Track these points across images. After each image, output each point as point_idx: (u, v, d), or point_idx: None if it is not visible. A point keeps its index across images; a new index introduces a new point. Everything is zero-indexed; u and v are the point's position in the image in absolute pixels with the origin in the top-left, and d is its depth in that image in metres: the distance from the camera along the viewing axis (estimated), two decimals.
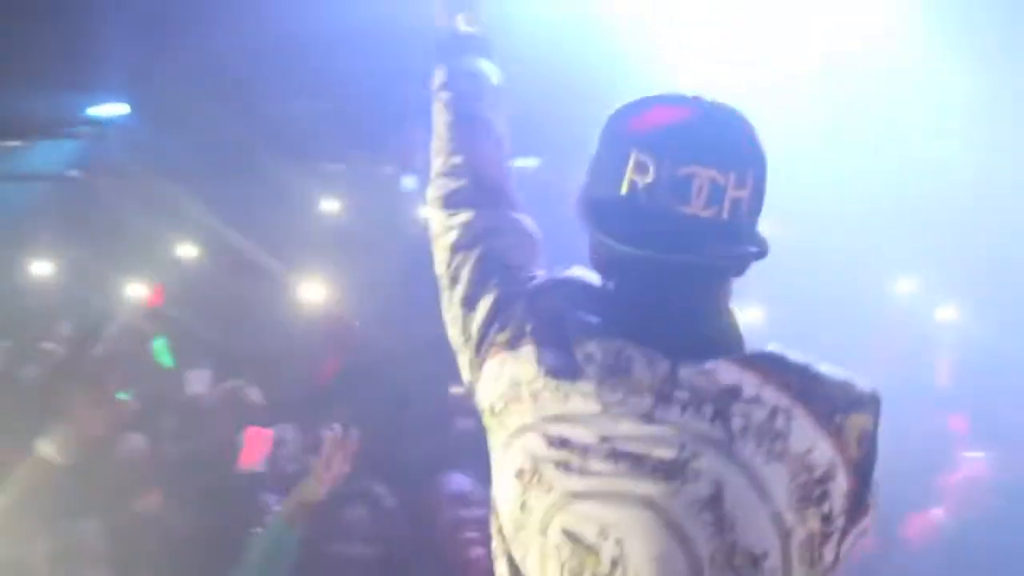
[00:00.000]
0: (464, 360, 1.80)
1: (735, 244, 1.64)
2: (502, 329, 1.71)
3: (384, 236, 8.08)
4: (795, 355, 1.62)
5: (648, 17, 5.18)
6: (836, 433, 1.54)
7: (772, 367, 1.58)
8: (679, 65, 5.24)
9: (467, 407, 1.94)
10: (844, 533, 1.56)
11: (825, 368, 1.61)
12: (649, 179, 1.62)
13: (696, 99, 1.68)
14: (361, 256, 7.91)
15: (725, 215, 1.62)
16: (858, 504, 1.56)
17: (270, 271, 7.47)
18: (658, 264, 1.62)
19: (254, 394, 5.01)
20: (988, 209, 5.84)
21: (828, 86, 5.82)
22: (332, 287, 7.51)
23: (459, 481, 3.63)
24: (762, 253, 1.68)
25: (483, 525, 3.04)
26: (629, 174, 1.63)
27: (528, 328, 1.67)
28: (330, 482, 3.25)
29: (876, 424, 1.59)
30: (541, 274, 1.78)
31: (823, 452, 1.54)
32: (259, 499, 3.98)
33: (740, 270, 1.70)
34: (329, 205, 8.80)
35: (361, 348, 6.90)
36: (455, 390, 5.60)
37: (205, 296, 7.43)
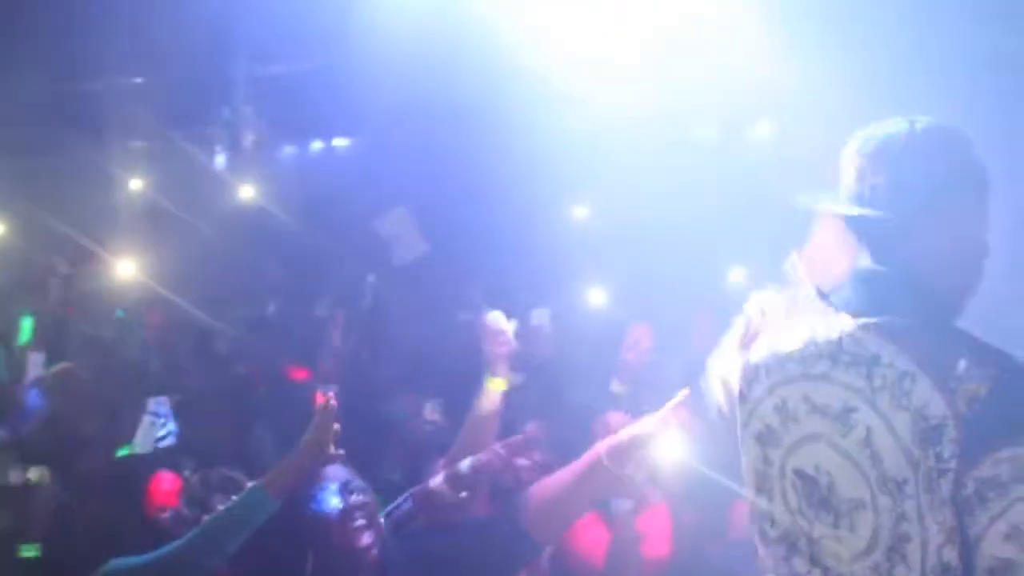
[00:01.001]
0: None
1: None
2: None
3: (197, 214, 8.01)
4: (933, 332, 2.01)
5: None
6: (950, 395, 1.89)
7: (907, 340, 1.99)
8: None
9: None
10: (960, 475, 1.88)
11: (954, 345, 1.96)
12: None
13: None
14: (173, 234, 7.82)
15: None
16: (969, 455, 1.88)
17: (80, 248, 7.27)
18: None
19: (83, 374, 4.96)
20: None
21: (665, 71, 6.16)
22: (143, 264, 7.39)
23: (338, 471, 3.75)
24: None
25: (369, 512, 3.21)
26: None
27: None
28: (317, 455, 3.24)
29: (993, 393, 1.89)
30: None
31: (937, 407, 1.90)
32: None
33: None
34: (141, 182, 8.60)
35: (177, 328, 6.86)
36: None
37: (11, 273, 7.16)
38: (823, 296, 2.17)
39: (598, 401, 4.71)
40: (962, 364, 1.91)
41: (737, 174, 6.89)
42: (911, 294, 2.04)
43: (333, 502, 3.34)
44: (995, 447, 1.86)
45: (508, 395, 5.14)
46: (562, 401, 4.73)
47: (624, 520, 3.84)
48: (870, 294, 2.09)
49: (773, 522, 2.19)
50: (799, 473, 2.11)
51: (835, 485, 2.04)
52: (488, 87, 6.45)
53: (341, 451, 3.27)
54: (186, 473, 4.40)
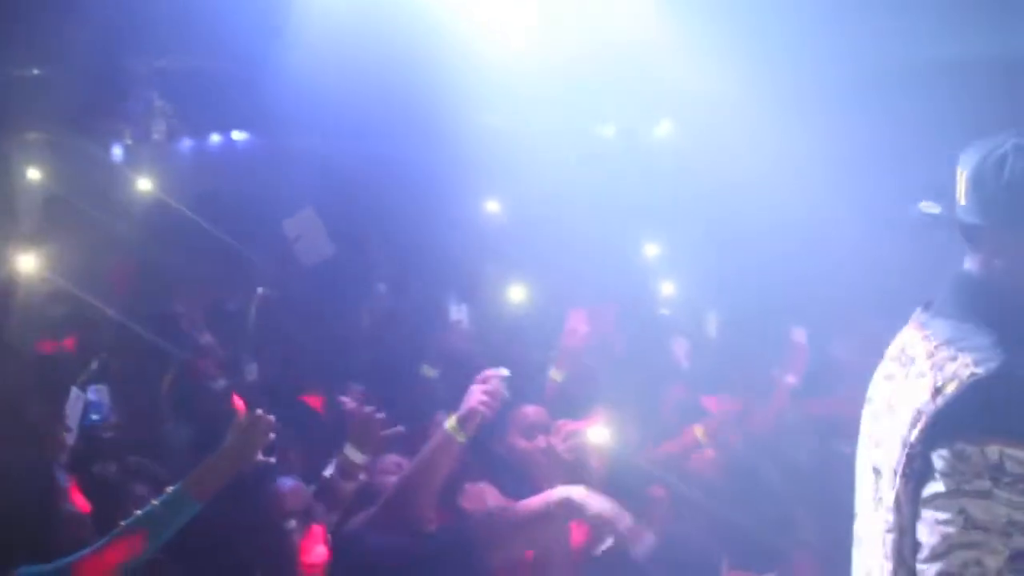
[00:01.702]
0: None
1: None
2: None
3: (93, 207, 7.86)
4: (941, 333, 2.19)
5: None
6: (936, 392, 2.07)
7: (927, 338, 2.20)
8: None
9: None
10: (911, 461, 2.09)
11: (955, 348, 2.13)
12: None
13: None
14: (69, 227, 7.66)
15: None
16: (924, 444, 2.07)
17: None
18: None
19: None
20: (730, 198, 6.41)
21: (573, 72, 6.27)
22: (38, 257, 7.21)
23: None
24: None
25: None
26: None
27: None
28: (240, 461, 3.24)
29: (959, 391, 2.05)
30: None
31: (924, 400, 2.09)
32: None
33: None
34: (37, 175, 8.40)
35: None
36: None
37: None
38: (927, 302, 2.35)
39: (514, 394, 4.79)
40: (958, 361, 2.09)
41: (641, 172, 7.07)
42: (985, 299, 2.19)
43: (274, 509, 3.37)
44: (939, 443, 2.04)
45: (426, 388, 5.25)
46: None
47: None
48: (954, 299, 2.24)
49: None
50: (872, 469, 2.30)
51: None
52: (401, 83, 6.49)
53: (272, 459, 3.31)
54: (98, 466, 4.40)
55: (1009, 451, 1.98)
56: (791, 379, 5.52)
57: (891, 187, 6.78)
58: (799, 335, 5.63)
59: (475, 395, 3.46)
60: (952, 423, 2.04)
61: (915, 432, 2.09)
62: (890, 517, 2.14)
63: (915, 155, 6.86)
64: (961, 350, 2.11)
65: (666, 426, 5.05)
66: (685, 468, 4.63)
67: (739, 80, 6.16)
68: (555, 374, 5.15)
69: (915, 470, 2.08)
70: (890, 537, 2.14)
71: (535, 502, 3.25)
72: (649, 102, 7.13)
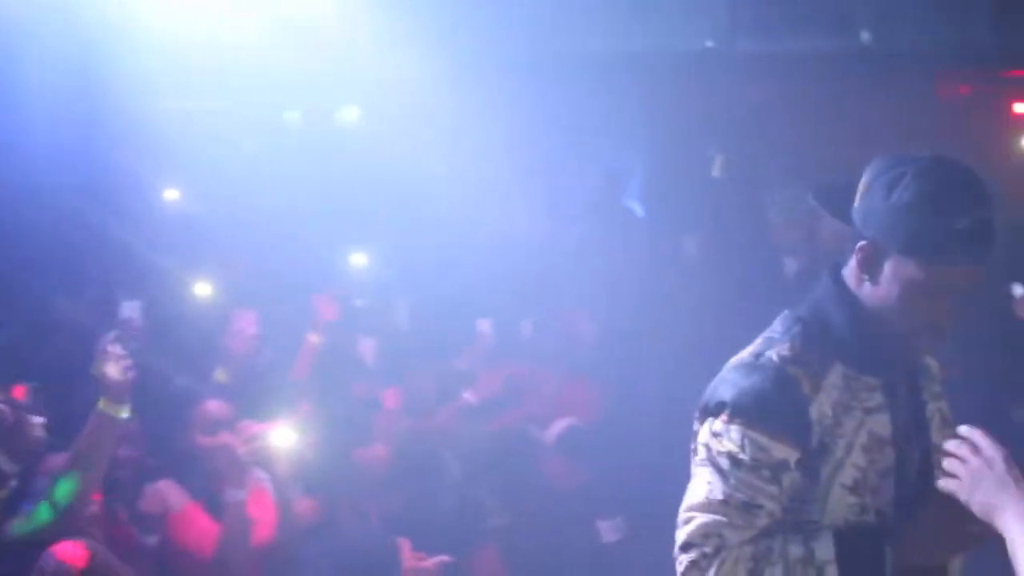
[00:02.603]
0: None
1: None
2: None
3: None
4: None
5: None
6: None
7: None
8: None
9: None
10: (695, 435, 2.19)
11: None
12: None
13: None
14: None
15: None
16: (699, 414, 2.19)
17: None
18: None
19: None
20: (419, 186, 6.37)
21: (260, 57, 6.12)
22: None
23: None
24: None
25: None
26: None
27: None
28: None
29: (730, 374, 2.15)
30: None
31: None
32: None
33: None
34: None
35: None
36: None
37: None
38: None
39: (197, 390, 4.62)
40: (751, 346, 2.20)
41: (328, 160, 6.98)
42: (836, 300, 2.19)
43: None
44: (703, 415, 2.17)
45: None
46: (158, 392, 4.54)
47: (235, 509, 3.81)
48: (811, 295, 2.26)
49: None
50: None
51: None
52: (77, 68, 6.13)
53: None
54: None
55: (752, 434, 2.05)
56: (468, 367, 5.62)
57: (571, 174, 7.07)
58: (484, 325, 5.72)
59: (107, 363, 3.46)
60: (713, 400, 2.14)
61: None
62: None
63: (597, 143, 7.24)
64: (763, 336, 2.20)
65: (352, 423, 4.98)
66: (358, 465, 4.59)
67: (423, 66, 6.21)
68: (220, 375, 5.09)
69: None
70: None
71: None
72: (336, 87, 7.04)
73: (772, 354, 2.12)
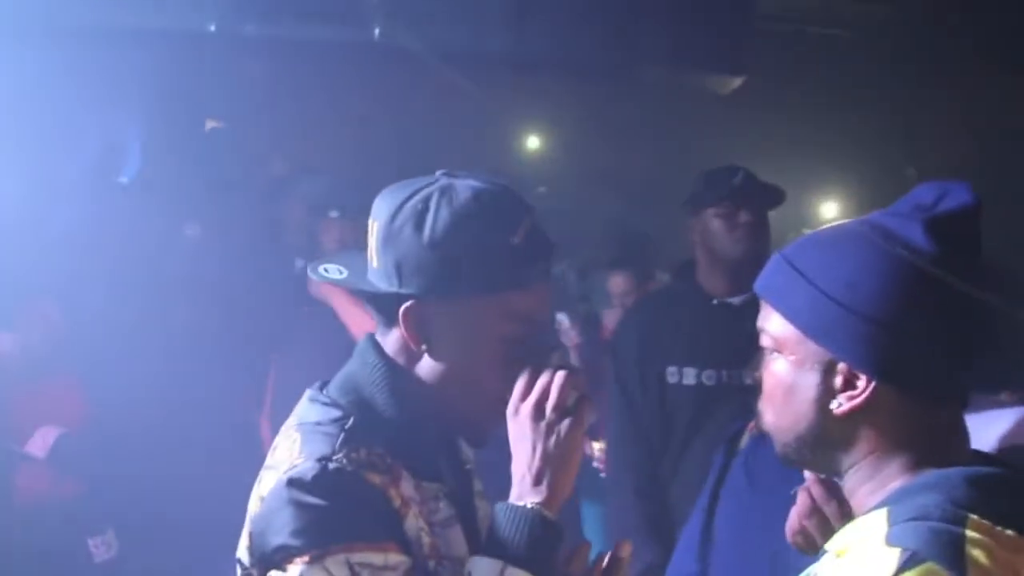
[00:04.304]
0: None
1: None
2: None
3: None
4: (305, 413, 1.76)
5: None
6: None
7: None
8: None
9: None
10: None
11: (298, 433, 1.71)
12: None
13: None
14: None
15: None
16: (250, 552, 1.68)
17: None
18: None
19: None
20: None
21: None
22: None
23: None
24: None
25: None
26: None
27: None
28: None
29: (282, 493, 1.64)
30: None
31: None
32: None
33: None
34: None
35: None
36: None
37: None
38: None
39: None
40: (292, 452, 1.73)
41: None
42: (389, 382, 1.73)
43: None
44: (260, 556, 1.71)
45: None
46: None
47: None
48: (344, 377, 1.83)
49: None
50: None
51: None
52: None
53: None
54: None
55: (358, 556, 1.51)
56: None
57: (67, 150, 6.62)
58: None
59: None
60: (268, 547, 1.58)
61: (242, 541, 1.63)
62: None
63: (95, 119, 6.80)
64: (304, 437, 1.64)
65: None
66: None
67: None
68: None
69: None
70: None
71: None
72: None
73: (341, 458, 1.59)
